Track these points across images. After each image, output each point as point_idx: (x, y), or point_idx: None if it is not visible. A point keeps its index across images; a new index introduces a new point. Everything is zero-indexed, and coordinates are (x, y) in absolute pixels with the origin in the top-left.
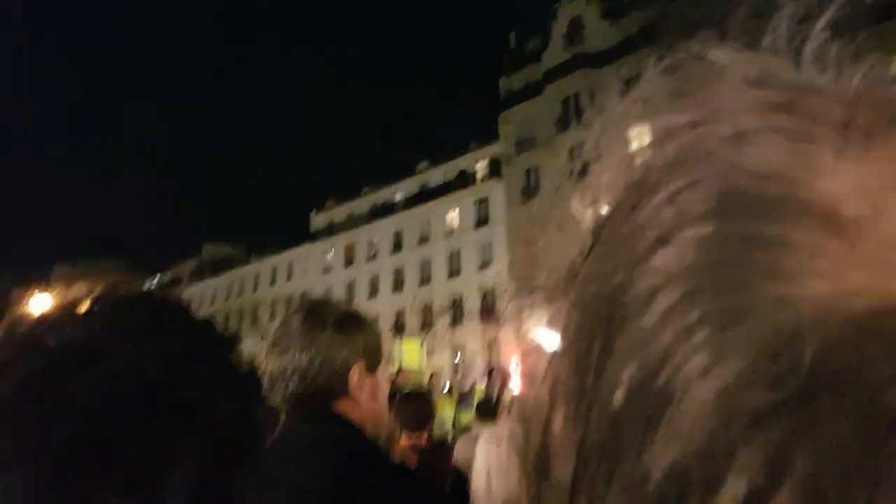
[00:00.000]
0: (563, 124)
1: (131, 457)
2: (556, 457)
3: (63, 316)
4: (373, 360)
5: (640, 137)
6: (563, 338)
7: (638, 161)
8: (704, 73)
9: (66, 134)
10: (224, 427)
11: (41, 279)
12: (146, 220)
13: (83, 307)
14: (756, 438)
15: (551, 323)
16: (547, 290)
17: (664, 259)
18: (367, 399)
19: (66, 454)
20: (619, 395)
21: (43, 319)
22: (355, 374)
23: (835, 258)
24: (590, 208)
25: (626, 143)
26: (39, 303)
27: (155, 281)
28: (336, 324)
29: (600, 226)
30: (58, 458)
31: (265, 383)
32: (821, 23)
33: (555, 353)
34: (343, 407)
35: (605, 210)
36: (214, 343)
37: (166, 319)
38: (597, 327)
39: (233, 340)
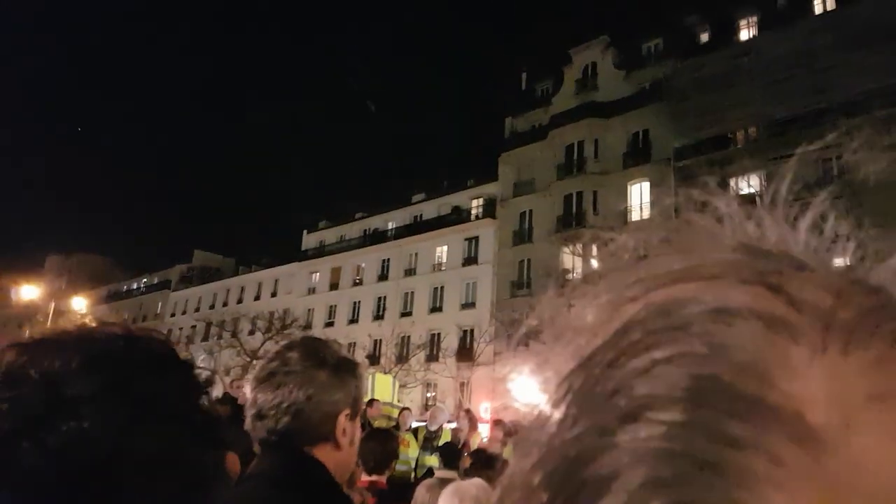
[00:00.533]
0: (563, 171)
1: None
2: None
3: (46, 354)
4: (356, 407)
5: (627, 276)
6: (525, 487)
7: (624, 308)
8: (700, 228)
9: (69, 128)
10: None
11: (33, 269)
12: (144, 221)
13: (69, 349)
14: None
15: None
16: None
17: (632, 437)
18: (345, 444)
19: None
20: None
21: (12, 364)
22: (343, 419)
23: (796, 471)
24: (571, 341)
25: (618, 282)
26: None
27: (143, 281)
28: (334, 367)
29: (577, 370)
30: None
31: (250, 413)
32: (822, 195)
33: (519, 495)
34: (320, 452)
35: (586, 344)
36: (181, 410)
37: (141, 380)
38: (558, 492)
39: (203, 387)
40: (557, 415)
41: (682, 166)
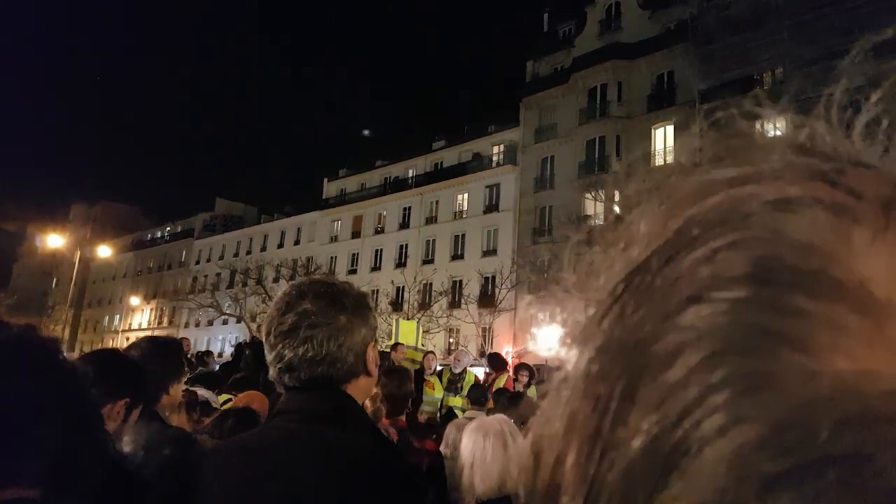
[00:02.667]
0: (586, 115)
1: None
2: (565, 493)
3: None
4: (375, 334)
5: (682, 186)
6: (584, 377)
7: (679, 212)
8: (753, 132)
9: (93, 77)
10: (60, 445)
11: (59, 218)
12: (167, 170)
13: None
14: (764, 502)
15: (569, 346)
16: (569, 318)
17: (695, 316)
18: (373, 370)
19: None
20: (636, 444)
21: None
22: (370, 350)
23: (860, 337)
24: (624, 250)
25: (669, 190)
26: None
27: (167, 229)
28: (353, 307)
29: (633, 272)
30: None
31: (276, 366)
32: (875, 95)
33: (575, 390)
34: (352, 386)
35: (639, 255)
36: (37, 360)
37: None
38: (620, 375)
39: (53, 350)
40: (616, 309)
41: (708, 109)
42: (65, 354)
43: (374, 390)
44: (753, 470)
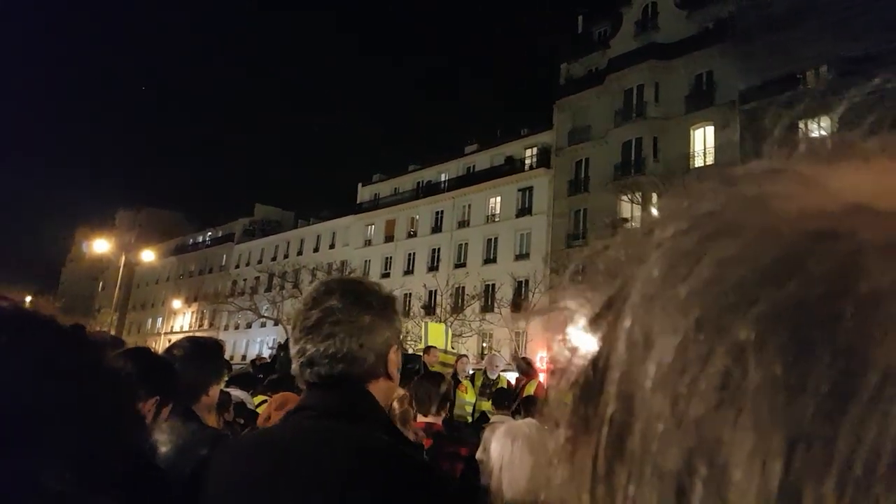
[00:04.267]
0: (621, 117)
1: None
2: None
3: None
4: (399, 337)
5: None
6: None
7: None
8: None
9: (142, 89)
10: (87, 448)
11: (104, 224)
12: (208, 177)
13: None
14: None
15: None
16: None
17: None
18: (394, 374)
19: None
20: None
21: None
22: (392, 354)
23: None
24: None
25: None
26: None
27: (208, 234)
28: (379, 308)
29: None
30: None
31: (298, 361)
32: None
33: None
34: (372, 387)
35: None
36: (78, 362)
37: (32, 339)
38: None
39: (97, 353)
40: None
41: (748, 109)
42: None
43: (402, 392)
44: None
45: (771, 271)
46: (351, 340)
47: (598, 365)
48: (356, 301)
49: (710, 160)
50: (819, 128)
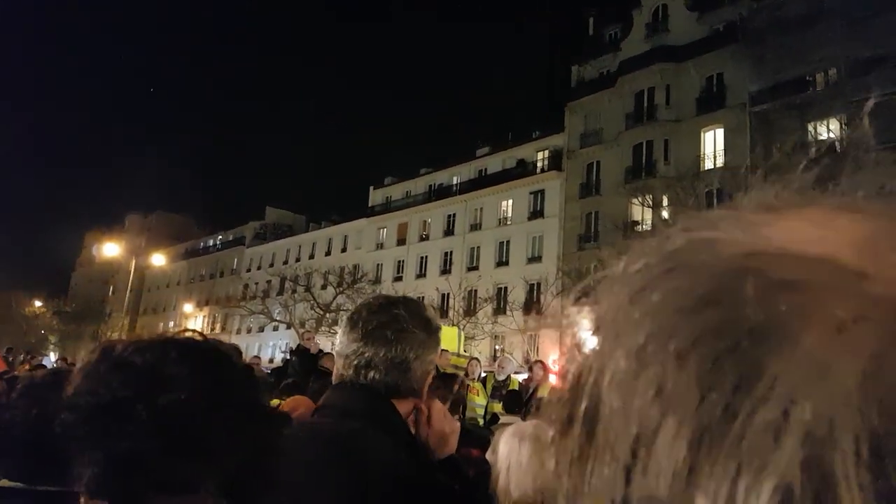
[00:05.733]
0: (633, 119)
1: (168, 473)
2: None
3: (148, 348)
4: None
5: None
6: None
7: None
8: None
9: (150, 91)
10: (242, 456)
11: (114, 228)
12: (219, 180)
13: (164, 345)
14: None
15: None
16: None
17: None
18: (424, 397)
19: (120, 459)
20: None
21: (131, 346)
22: (430, 378)
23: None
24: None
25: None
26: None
27: (219, 237)
28: (434, 329)
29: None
30: (115, 460)
31: (352, 363)
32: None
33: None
34: (405, 404)
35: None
36: (246, 390)
37: (216, 367)
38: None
39: (261, 390)
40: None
41: (759, 111)
42: None
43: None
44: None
45: (698, 301)
46: (409, 350)
47: (582, 373)
48: (419, 316)
49: (720, 162)
50: (828, 130)
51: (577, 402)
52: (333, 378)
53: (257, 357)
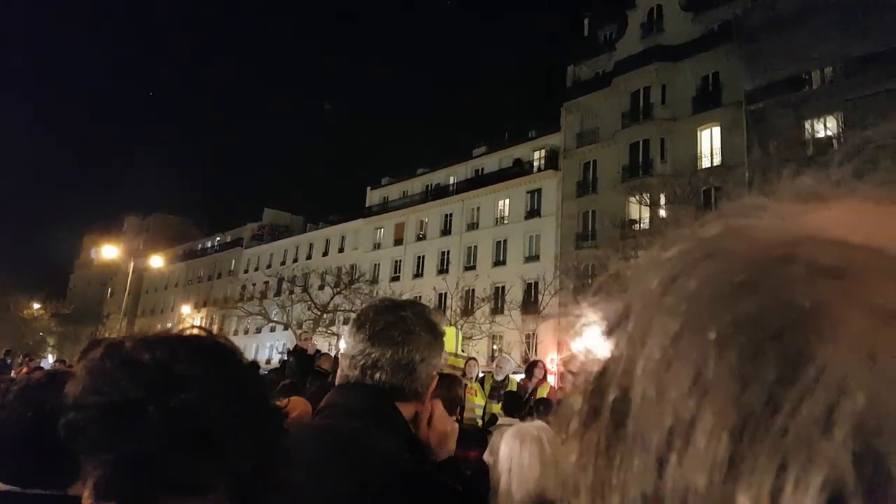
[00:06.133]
0: (629, 118)
1: (179, 474)
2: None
3: (157, 345)
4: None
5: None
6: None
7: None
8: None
9: (149, 94)
10: (253, 455)
11: (113, 230)
12: (216, 181)
13: (173, 342)
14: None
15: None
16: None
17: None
18: (426, 402)
19: (130, 461)
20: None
21: (138, 343)
22: (434, 384)
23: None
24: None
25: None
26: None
27: (217, 239)
28: (440, 333)
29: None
30: (125, 462)
31: (359, 363)
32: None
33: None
34: (408, 407)
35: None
36: (256, 388)
37: (226, 364)
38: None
39: (267, 386)
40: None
41: (755, 110)
42: None
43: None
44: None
45: (738, 288)
46: (416, 352)
47: (609, 364)
48: (426, 321)
49: (717, 161)
50: (825, 128)
51: (605, 394)
52: (337, 379)
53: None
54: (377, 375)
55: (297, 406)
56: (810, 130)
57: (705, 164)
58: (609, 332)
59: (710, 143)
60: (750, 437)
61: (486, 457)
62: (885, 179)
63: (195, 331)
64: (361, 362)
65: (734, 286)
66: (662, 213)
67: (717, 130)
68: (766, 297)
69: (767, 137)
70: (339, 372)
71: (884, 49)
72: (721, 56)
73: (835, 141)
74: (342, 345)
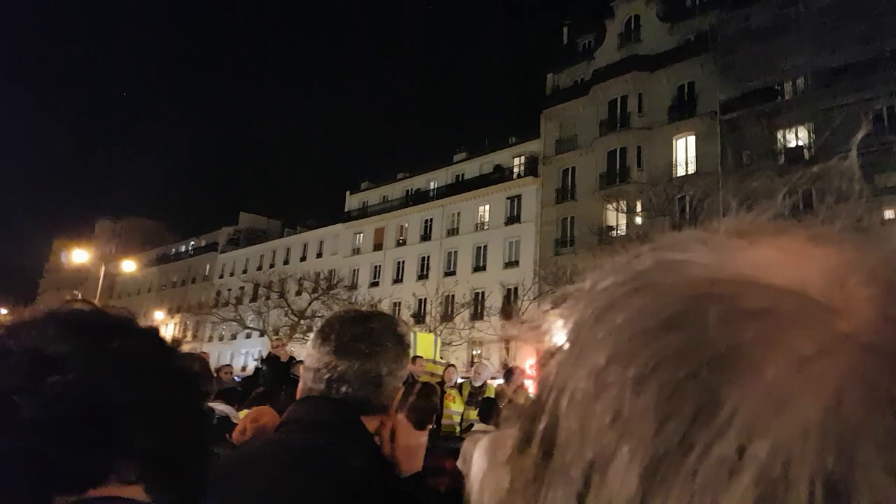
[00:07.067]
0: (607, 126)
1: (67, 474)
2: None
3: (23, 328)
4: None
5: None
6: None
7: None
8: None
9: (123, 95)
10: (162, 445)
11: (84, 233)
12: (191, 185)
13: (43, 322)
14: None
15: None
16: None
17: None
18: (391, 413)
19: (8, 460)
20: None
21: (5, 329)
22: (399, 395)
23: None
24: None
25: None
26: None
27: (191, 243)
28: (406, 344)
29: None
30: (2, 462)
31: (324, 376)
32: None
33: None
34: (372, 420)
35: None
36: (155, 359)
37: (108, 338)
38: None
39: (173, 353)
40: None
41: (729, 119)
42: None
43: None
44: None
45: (661, 325)
46: (383, 365)
47: (542, 390)
48: (392, 331)
49: (692, 169)
50: (797, 137)
51: (537, 420)
52: (298, 392)
53: (229, 365)
54: (343, 389)
55: (262, 416)
56: (782, 140)
57: (680, 172)
58: (548, 357)
59: (685, 151)
60: (662, 476)
61: (461, 465)
62: (822, 218)
63: (76, 305)
64: (327, 376)
65: (658, 323)
66: (639, 220)
67: (692, 139)
68: (686, 337)
69: (741, 147)
70: (300, 385)
71: (853, 62)
72: (697, 66)
73: (805, 151)
74: (304, 357)
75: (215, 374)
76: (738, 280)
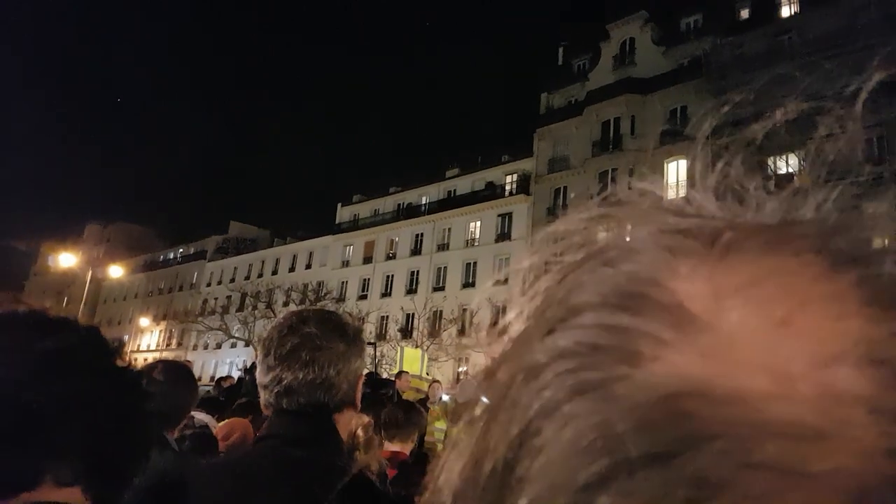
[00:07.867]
0: (599, 147)
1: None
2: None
3: None
4: (365, 367)
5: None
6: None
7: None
8: (635, 199)
9: (116, 101)
10: (98, 445)
11: (72, 237)
12: (181, 192)
13: None
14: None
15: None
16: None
17: (550, 343)
18: (359, 400)
19: None
20: (488, 464)
21: None
22: (360, 381)
23: (675, 348)
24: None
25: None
26: None
27: (180, 251)
28: (352, 337)
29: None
30: None
31: (273, 390)
32: (739, 158)
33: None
34: (341, 416)
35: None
36: (87, 356)
37: (36, 339)
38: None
39: (112, 354)
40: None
41: (720, 145)
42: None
43: (367, 419)
44: (576, 471)
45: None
46: (330, 367)
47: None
48: (333, 329)
49: (682, 193)
50: (787, 164)
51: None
52: (262, 407)
53: (231, 377)
54: (294, 399)
55: (235, 429)
56: (773, 167)
57: (671, 195)
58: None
59: (676, 174)
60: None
61: None
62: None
63: (13, 306)
64: (276, 390)
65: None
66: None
67: (683, 163)
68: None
69: (729, 171)
70: (261, 400)
71: (844, 91)
72: (690, 90)
73: (795, 178)
74: (257, 373)
75: (217, 384)
76: (697, 395)
